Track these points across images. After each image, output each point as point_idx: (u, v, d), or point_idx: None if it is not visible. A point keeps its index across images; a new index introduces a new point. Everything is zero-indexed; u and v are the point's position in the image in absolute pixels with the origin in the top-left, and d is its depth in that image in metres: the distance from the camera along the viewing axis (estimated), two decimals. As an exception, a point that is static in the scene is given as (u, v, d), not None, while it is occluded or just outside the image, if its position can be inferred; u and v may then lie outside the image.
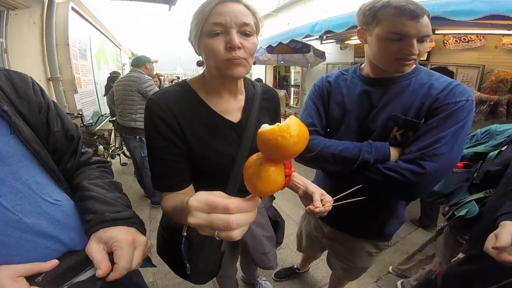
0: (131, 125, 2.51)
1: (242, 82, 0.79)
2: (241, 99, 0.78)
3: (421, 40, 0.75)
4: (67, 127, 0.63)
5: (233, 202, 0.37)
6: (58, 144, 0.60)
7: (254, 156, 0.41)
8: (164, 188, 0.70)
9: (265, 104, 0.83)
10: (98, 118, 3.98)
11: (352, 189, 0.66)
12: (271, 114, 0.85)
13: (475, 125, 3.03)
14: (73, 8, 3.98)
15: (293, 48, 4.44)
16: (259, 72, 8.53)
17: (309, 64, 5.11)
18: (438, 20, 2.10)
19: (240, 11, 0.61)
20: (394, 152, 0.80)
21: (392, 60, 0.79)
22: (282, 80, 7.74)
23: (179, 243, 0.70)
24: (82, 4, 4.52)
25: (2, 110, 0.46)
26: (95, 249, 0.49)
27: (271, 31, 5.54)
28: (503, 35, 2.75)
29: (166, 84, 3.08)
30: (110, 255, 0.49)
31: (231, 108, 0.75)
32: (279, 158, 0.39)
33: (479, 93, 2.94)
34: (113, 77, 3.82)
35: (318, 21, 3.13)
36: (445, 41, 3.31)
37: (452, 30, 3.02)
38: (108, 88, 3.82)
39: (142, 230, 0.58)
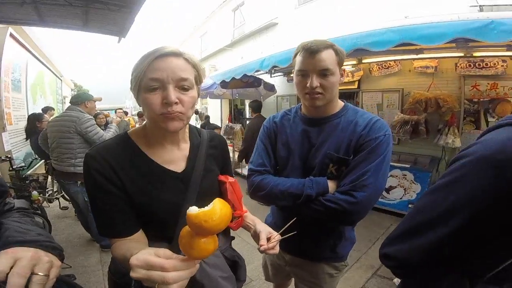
0: (71, 170, 2.28)
1: (186, 131, 0.81)
2: (186, 147, 0.79)
3: (322, 74, 0.87)
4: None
5: (170, 262, 0.44)
6: None
7: (187, 228, 0.47)
8: (112, 236, 0.68)
9: (212, 151, 0.85)
10: (32, 161, 3.47)
11: (288, 224, 0.72)
12: (219, 161, 0.88)
13: (403, 144, 3.55)
14: (11, 34, 3.63)
15: (246, 83, 4.68)
16: (214, 106, 8.60)
17: (262, 97, 5.42)
18: (362, 51, 2.47)
19: (178, 66, 0.63)
20: (332, 185, 0.91)
21: (303, 95, 0.93)
22: (238, 114, 7.88)
23: (129, 286, 0.69)
24: (23, 30, 4.18)
25: None
26: None
27: (227, 64, 5.81)
28: (414, 59, 3.27)
29: (113, 126, 2.84)
30: None
31: (175, 157, 0.76)
32: (205, 235, 0.46)
33: (402, 114, 3.40)
34: (36, 116, 3.41)
35: (265, 57, 3.42)
36: (371, 69, 3.83)
37: (374, 59, 3.53)
38: (30, 130, 3.35)
39: (53, 253, 0.54)
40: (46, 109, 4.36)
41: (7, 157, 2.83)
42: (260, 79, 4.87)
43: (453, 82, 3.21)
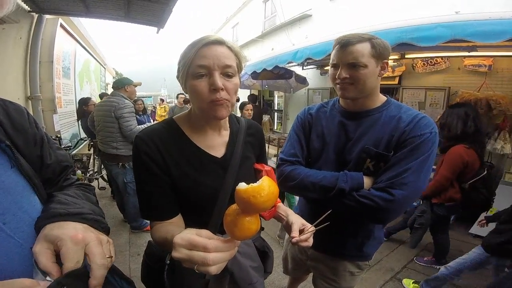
0: (113, 152, 2.45)
1: (227, 118, 0.83)
2: (226, 134, 0.82)
3: (351, 66, 0.85)
4: (61, 159, 0.64)
5: (212, 242, 0.44)
6: (50, 175, 0.61)
7: (233, 206, 0.47)
8: (154, 218, 0.73)
9: (250, 139, 0.87)
10: (77, 141, 3.81)
11: (323, 216, 0.70)
12: (255, 149, 0.89)
13: (444, 147, 3.25)
14: (61, 25, 3.92)
15: (277, 74, 4.63)
16: (243, 97, 8.68)
17: (292, 89, 5.34)
18: (406, 46, 2.30)
19: (223, 54, 0.65)
20: (367, 181, 0.87)
21: (335, 85, 0.92)
22: (266, 105, 7.87)
23: (162, 271, 0.72)
24: (70, 21, 4.47)
25: (6, 145, 0.47)
26: (39, 251, 0.44)
27: (257, 55, 5.77)
28: (465, 56, 2.97)
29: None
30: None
31: (216, 143, 0.78)
32: (251, 212, 0.46)
33: (445, 115, 3.15)
34: (84, 100, 3.73)
35: (299, 48, 3.31)
36: (414, 65, 3.54)
37: (419, 54, 3.27)
38: (80, 112, 3.67)
39: (97, 227, 0.53)
40: (102, 95, 4.79)
41: (57, 136, 3.14)
42: (291, 71, 4.77)
43: (510, 83, 2.86)
